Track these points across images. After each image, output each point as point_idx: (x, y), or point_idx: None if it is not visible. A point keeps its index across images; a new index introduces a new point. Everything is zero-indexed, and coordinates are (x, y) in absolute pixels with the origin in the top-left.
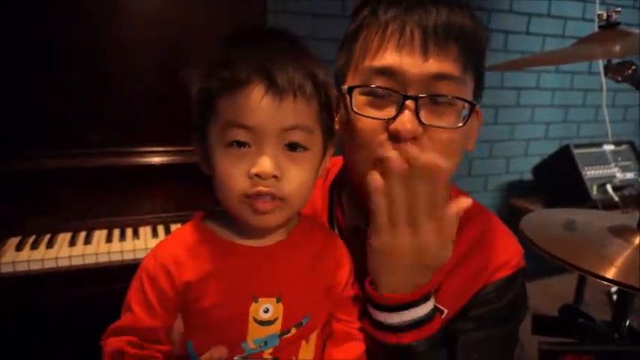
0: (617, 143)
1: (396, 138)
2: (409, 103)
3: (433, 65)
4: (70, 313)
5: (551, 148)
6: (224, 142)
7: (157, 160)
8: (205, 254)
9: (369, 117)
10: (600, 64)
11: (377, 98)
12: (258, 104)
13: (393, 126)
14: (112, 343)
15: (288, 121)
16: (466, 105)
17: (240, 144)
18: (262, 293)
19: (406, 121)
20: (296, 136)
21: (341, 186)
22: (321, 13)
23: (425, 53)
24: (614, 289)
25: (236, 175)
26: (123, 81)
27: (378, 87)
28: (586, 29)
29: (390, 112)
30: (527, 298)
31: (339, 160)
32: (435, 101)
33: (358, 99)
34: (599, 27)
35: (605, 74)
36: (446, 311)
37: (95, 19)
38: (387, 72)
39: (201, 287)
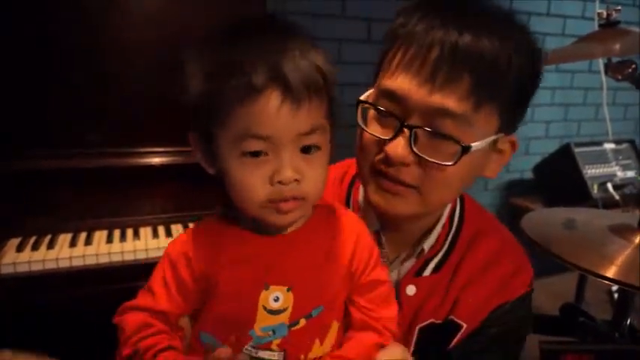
0: (617, 142)
1: (387, 160)
2: (405, 130)
3: (437, 99)
4: (70, 313)
5: (551, 146)
6: (238, 152)
7: (157, 160)
8: (224, 243)
9: (369, 133)
10: (600, 63)
11: (382, 117)
12: (276, 113)
13: (385, 148)
14: (132, 316)
15: (304, 126)
16: (472, 142)
17: (256, 153)
18: (274, 281)
19: (398, 147)
20: (312, 139)
21: (357, 188)
22: (321, 13)
23: (432, 85)
24: (615, 287)
25: (256, 183)
26: (123, 81)
27: (381, 108)
28: (586, 28)
29: (390, 133)
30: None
31: (355, 162)
32: (435, 134)
33: (370, 111)
34: (599, 26)
35: (606, 73)
36: (465, 326)
37: (95, 19)
38: (393, 96)
39: (218, 275)
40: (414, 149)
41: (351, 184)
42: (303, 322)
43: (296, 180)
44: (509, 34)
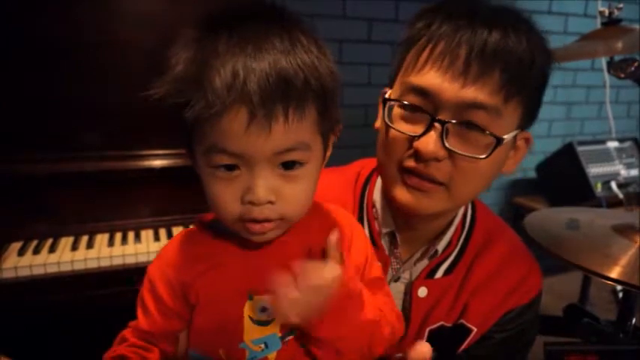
0: (620, 140)
1: (418, 156)
2: (437, 125)
3: (469, 93)
4: (70, 314)
5: (554, 145)
6: (210, 165)
7: (158, 163)
8: (204, 252)
9: (398, 130)
10: (603, 61)
11: (411, 113)
12: (244, 133)
13: (416, 144)
14: (122, 332)
15: (281, 145)
16: (503, 134)
17: (229, 167)
18: (258, 291)
19: (429, 142)
20: (291, 157)
21: (372, 189)
22: (321, 13)
23: (464, 79)
24: (619, 287)
25: (228, 200)
26: (123, 81)
27: (408, 104)
28: (588, 26)
29: (419, 129)
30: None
31: (369, 162)
32: (466, 127)
33: (395, 110)
34: (602, 24)
35: (608, 71)
36: (475, 330)
37: (94, 20)
38: (423, 91)
39: (196, 283)
40: (446, 144)
41: (365, 185)
42: (297, 332)
43: (270, 202)
44: (530, 32)
